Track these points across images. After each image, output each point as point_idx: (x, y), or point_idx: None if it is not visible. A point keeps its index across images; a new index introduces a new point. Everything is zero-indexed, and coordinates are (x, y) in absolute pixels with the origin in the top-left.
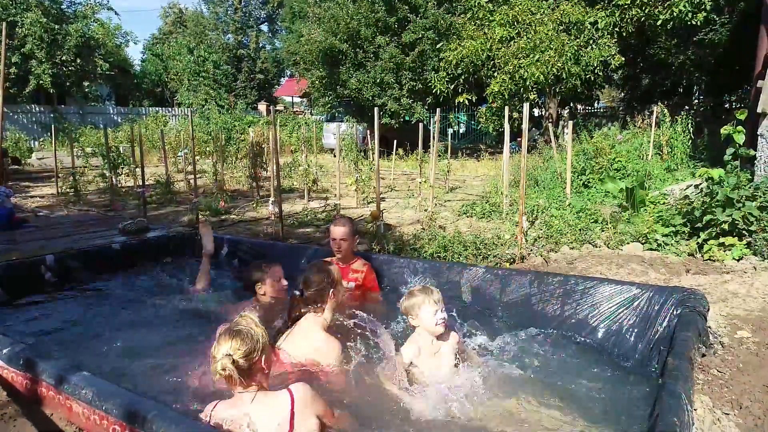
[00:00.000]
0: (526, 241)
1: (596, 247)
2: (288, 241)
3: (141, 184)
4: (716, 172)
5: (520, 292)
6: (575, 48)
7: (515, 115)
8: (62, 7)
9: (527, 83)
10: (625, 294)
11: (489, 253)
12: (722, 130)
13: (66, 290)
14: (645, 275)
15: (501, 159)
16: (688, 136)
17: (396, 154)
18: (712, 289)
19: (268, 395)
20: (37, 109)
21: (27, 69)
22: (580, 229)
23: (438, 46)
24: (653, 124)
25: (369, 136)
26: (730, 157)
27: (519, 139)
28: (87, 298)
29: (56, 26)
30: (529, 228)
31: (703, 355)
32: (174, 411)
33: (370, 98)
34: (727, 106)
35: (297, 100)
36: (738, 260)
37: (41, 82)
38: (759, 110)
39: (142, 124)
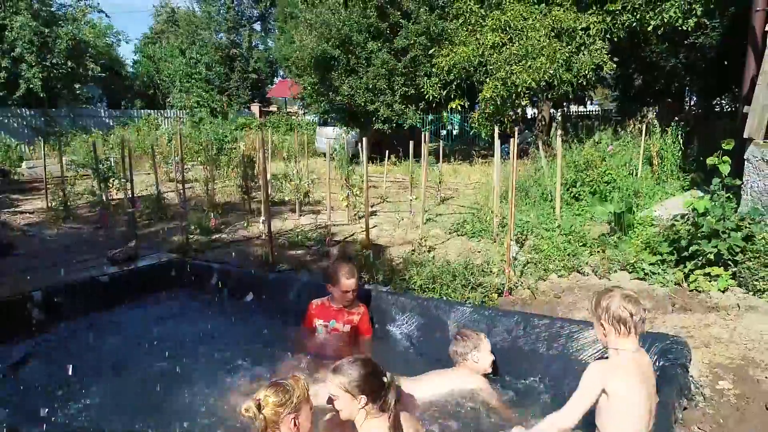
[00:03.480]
0: (514, 271)
1: (585, 275)
2: (278, 266)
3: (131, 198)
4: (701, 204)
5: (506, 335)
6: (567, 54)
7: (506, 120)
8: (52, 9)
9: (519, 90)
10: None
11: (478, 282)
12: (708, 161)
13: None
14: None
15: (492, 165)
16: (678, 147)
17: (389, 160)
18: (696, 332)
19: None
20: (28, 113)
21: (17, 73)
22: (569, 254)
23: (430, 51)
24: (644, 132)
25: (361, 143)
26: (717, 186)
27: (512, 139)
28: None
29: (46, 29)
30: (518, 252)
31: (685, 408)
32: None
33: (363, 104)
34: (718, 109)
35: (290, 99)
36: (723, 291)
37: (31, 85)
38: (745, 135)
39: (133, 127)
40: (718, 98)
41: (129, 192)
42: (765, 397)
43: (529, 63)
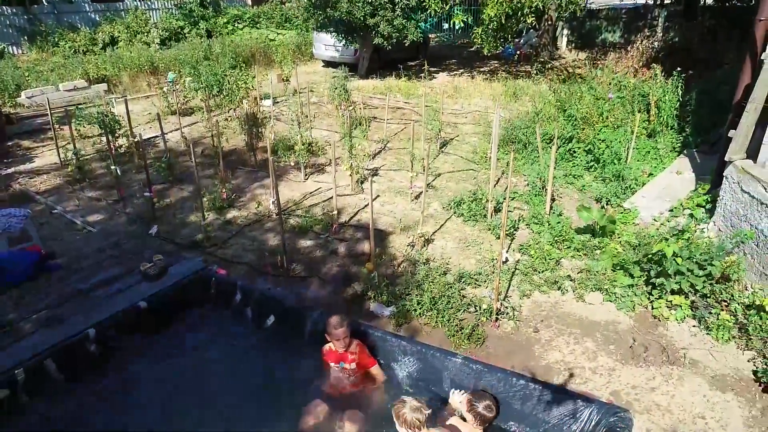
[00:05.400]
0: (502, 280)
1: (564, 293)
2: (292, 268)
3: (148, 187)
4: (670, 249)
5: (490, 386)
6: None
7: (510, 37)
8: None
9: (524, 8)
10: (571, 406)
11: (470, 303)
12: (689, 206)
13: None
14: (594, 360)
15: (495, 81)
16: (677, 99)
17: (391, 75)
18: (642, 395)
19: None
20: (9, 10)
21: None
22: (553, 260)
23: None
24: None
25: (361, 53)
26: (690, 222)
27: (517, 40)
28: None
29: None
30: (507, 259)
31: None
32: None
33: (362, 18)
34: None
35: None
36: (680, 322)
37: None
38: (726, 158)
39: (121, 23)
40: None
41: (138, 147)
42: None
43: None
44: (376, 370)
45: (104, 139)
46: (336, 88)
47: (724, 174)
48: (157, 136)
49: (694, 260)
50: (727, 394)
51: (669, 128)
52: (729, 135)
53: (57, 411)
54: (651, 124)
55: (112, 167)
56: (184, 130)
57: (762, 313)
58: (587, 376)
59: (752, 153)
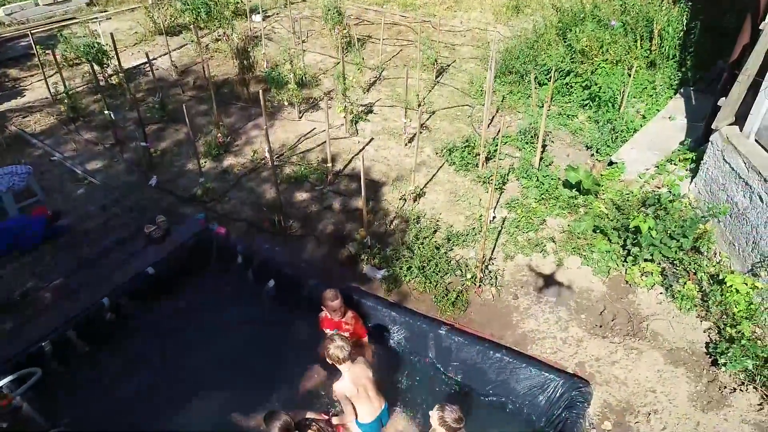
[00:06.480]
0: (488, 237)
1: (545, 256)
2: (289, 225)
3: (144, 142)
4: (646, 225)
5: (470, 359)
6: None
7: None
8: None
9: None
10: (541, 379)
11: (456, 267)
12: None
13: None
14: (565, 330)
15: None
16: (681, 28)
17: None
18: (604, 368)
19: None
20: None
21: None
22: (538, 218)
23: None
24: None
25: None
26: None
27: None
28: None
29: None
30: (494, 216)
31: None
32: None
33: None
34: None
35: None
36: (649, 289)
37: None
38: (713, 126)
39: None
40: None
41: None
42: None
43: None
44: (366, 340)
45: (92, 68)
46: (330, 10)
47: (710, 139)
48: (145, 63)
49: (668, 232)
50: (678, 369)
51: (670, 59)
52: (719, 104)
53: (81, 377)
54: (652, 54)
55: (106, 111)
56: (173, 55)
57: (723, 285)
58: (558, 347)
59: (742, 116)
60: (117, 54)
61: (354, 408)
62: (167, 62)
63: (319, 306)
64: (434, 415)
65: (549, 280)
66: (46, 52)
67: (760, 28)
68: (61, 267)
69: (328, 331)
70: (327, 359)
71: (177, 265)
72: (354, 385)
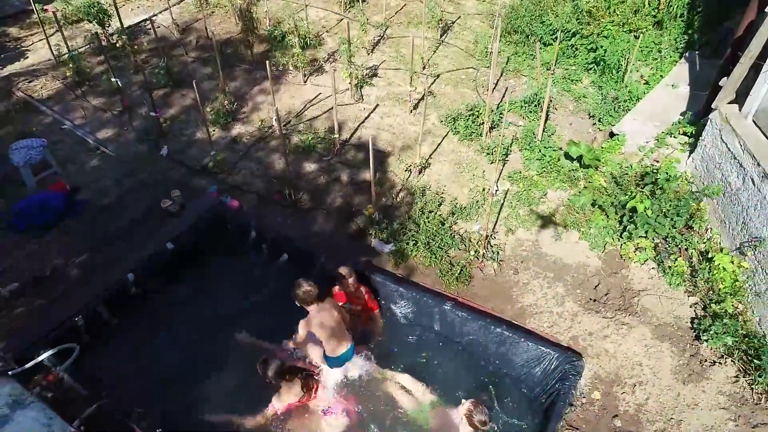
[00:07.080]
0: (491, 209)
1: (546, 229)
2: (299, 198)
3: (153, 111)
4: (642, 206)
5: (473, 333)
6: None
7: None
8: None
9: None
10: (537, 352)
11: (461, 243)
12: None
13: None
14: (561, 305)
15: None
16: None
17: None
18: (595, 342)
19: None
20: None
21: None
22: (540, 191)
23: None
24: None
25: None
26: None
27: None
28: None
29: None
30: (497, 189)
31: (571, 405)
32: None
33: None
34: None
35: None
36: (642, 264)
37: None
38: (713, 106)
39: None
40: None
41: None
42: (615, 412)
43: None
44: (377, 314)
45: (92, 26)
46: None
47: (709, 117)
48: (146, 20)
49: (663, 211)
50: (664, 344)
51: (677, 18)
52: (720, 84)
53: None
54: (660, 13)
55: (112, 79)
56: (173, 11)
57: (711, 263)
58: (554, 320)
59: (742, 93)
60: (118, 12)
61: (306, 337)
62: (168, 19)
63: (332, 280)
64: (464, 407)
65: (548, 256)
66: (45, 8)
67: (766, 10)
68: (84, 243)
69: (342, 305)
70: (296, 302)
71: (195, 239)
72: (317, 323)
